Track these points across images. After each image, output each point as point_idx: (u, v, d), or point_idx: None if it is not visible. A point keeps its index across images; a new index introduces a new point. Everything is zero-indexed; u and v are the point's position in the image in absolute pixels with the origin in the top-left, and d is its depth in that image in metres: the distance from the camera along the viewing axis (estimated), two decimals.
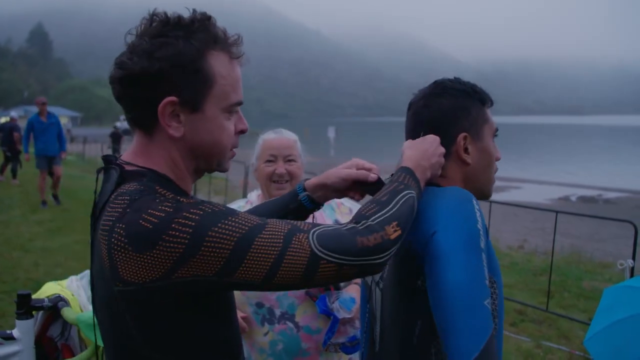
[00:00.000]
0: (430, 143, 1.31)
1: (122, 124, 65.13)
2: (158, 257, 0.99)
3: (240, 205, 2.28)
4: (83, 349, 2.14)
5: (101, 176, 1.19)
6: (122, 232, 1.01)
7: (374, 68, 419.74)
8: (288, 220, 1.10)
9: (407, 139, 1.41)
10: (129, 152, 1.19)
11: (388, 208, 1.10)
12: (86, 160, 26.68)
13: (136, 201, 1.05)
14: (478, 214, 1.17)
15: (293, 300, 2.02)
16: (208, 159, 1.19)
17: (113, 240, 1.02)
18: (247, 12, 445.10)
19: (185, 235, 0.99)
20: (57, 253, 7.45)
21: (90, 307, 2.21)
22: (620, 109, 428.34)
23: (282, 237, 1.04)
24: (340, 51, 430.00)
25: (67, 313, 2.08)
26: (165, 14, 1.13)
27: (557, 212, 5.63)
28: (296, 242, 1.04)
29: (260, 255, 1.02)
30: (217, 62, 1.14)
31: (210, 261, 1.00)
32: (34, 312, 2.14)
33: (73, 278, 2.40)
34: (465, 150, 1.37)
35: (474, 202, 1.19)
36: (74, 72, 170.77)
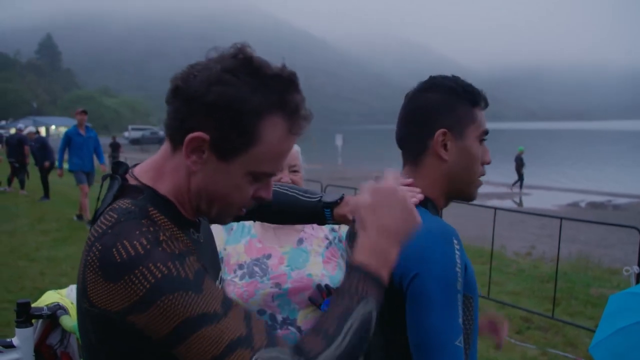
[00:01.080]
0: (401, 205, 1.08)
1: (131, 133, 65.67)
2: (119, 292, 0.95)
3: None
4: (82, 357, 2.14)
5: (107, 183, 1.17)
6: (97, 253, 0.98)
7: (379, 75, 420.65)
8: (250, 320, 0.99)
9: (396, 131, 1.44)
10: (146, 161, 1.17)
11: (335, 345, 0.97)
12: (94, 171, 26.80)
13: (119, 224, 1.01)
14: (457, 255, 1.22)
15: (294, 306, 2.03)
16: (209, 205, 1.12)
17: (89, 259, 0.99)
18: (252, 20, 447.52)
19: (142, 287, 0.94)
20: (62, 262, 7.48)
21: None
22: (627, 113, 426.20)
23: (225, 343, 0.95)
24: (346, 59, 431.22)
25: (65, 321, 2.08)
26: (252, 54, 1.06)
27: (561, 218, 5.60)
28: (235, 357, 0.94)
29: (197, 347, 0.95)
30: (272, 128, 1.05)
31: (156, 325, 0.95)
32: (33, 321, 2.14)
33: (73, 287, 2.40)
34: (444, 146, 1.36)
35: (455, 242, 1.24)
36: (82, 82, 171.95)
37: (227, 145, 1.04)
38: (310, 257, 2.02)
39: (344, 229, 2.05)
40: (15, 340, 2.07)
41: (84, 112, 10.51)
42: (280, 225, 1.97)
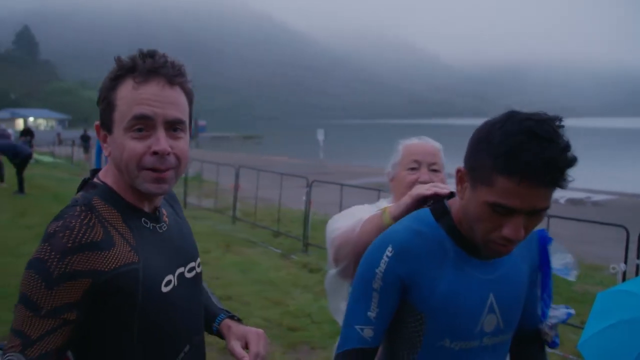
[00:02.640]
0: None
1: None
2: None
3: (370, 210, 1.98)
4: None
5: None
6: (46, 230, 1.23)
7: (362, 70, 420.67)
8: (23, 339, 1.16)
9: None
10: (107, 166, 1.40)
11: None
12: (75, 164, 26.51)
13: (63, 210, 1.25)
14: (384, 261, 1.34)
15: None
16: (127, 176, 1.30)
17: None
18: (234, 14, 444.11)
19: (36, 254, 1.21)
20: None
21: None
22: (614, 111, 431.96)
23: (21, 327, 1.17)
24: (329, 54, 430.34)
25: None
26: (120, 58, 1.31)
27: (549, 216, 5.64)
28: (14, 340, 1.17)
29: (17, 312, 1.19)
30: (122, 89, 1.29)
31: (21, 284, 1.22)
32: None
33: None
34: (461, 183, 1.35)
35: (389, 249, 1.35)
36: (62, 74, 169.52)
37: (106, 120, 1.32)
38: None
39: None
40: None
41: None
42: None
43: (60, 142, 39.38)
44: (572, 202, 19.09)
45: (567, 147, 1.18)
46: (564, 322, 1.65)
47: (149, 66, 1.28)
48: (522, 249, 1.46)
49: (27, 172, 14.37)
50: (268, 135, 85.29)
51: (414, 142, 2.06)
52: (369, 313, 1.36)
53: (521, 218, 1.20)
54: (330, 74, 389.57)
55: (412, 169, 1.98)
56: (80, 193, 1.31)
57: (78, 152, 29.19)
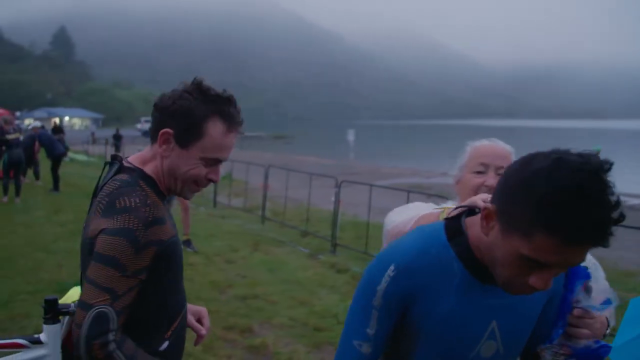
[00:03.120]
0: None
1: (143, 125, 66.13)
2: (103, 223, 1.52)
3: (431, 208, 1.90)
4: None
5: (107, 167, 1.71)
6: (104, 203, 1.53)
7: (393, 70, 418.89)
8: (127, 296, 1.50)
9: None
10: (136, 155, 1.71)
11: None
12: None
13: (121, 187, 1.55)
14: (386, 280, 1.27)
15: None
16: (175, 182, 1.66)
17: (97, 208, 1.54)
18: (264, 13, 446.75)
19: (118, 224, 1.49)
20: (80, 254, 7.52)
21: None
22: None
23: (109, 285, 1.48)
24: (360, 54, 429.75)
25: None
26: (201, 82, 1.63)
27: None
28: (103, 296, 1.49)
29: (97, 270, 1.50)
30: (213, 127, 1.62)
31: (97, 245, 1.52)
32: (60, 317, 2.16)
33: None
34: (488, 221, 1.22)
35: (391, 268, 1.27)
36: (96, 74, 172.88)
37: (185, 137, 1.61)
38: None
39: None
40: (43, 337, 2.08)
41: None
42: None
43: (94, 141, 40.16)
44: None
45: (617, 204, 1.07)
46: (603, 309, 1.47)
47: (237, 120, 1.66)
48: None
49: (62, 171, 14.70)
50: (298, 135, 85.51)
51: (483, 143, 1.95)
52: (367, 330, 1.32)
53: (553, 271, 1.14)
54: (362, 74, 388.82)
55: (479, 172, 1.88)
56: (125, 175, 1.61)
57: (111, 151, 29.75)
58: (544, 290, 1.20)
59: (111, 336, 1.47)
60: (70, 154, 27.46)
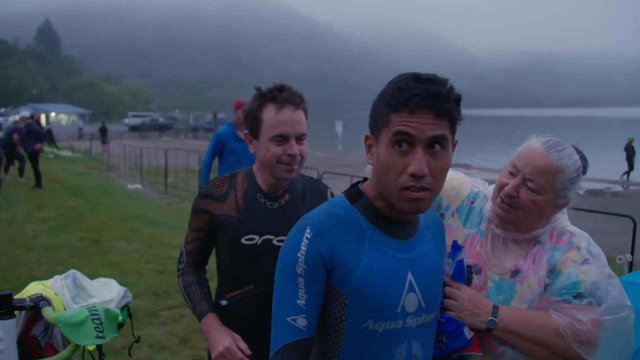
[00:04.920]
0: None
1: (130, 120, 65.70)
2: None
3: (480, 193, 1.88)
4: (66, 346, 2.14)
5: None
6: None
7: (385, 62, 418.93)
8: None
9: None
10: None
11: None
12: (93, 157, 26.84)
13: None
14: (304, 243, 1.33)
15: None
16: (268, 168, 1.99)
17: None
18: (256, 6, 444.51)
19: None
20: (59, 250, 7.49)
21: (74, 306, 2.22)
22: (637, 101, 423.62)
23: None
24: (352, 45, 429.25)
25: (47, 312, 2.07)
26: (259, 88, 2.03)
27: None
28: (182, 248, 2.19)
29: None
30: (267, 111, 1.96)
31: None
32: (16, 312, 2.14)
33: (57, 277, 2.40)
34: (369, 149, 1.40)
35: (307, 230, 1.34)
36: (83, 69, 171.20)
37: (254, 130, 2.00)
38: (513, 300, 1.66)
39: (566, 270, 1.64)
40: None
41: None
42: (518, 234, 1.73)
43: (81, 136, 39.94)
44: (591, 192, 18.81)
45: (451, 87, 1.30)
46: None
47: (284, 97, 1.94)
48: (434, 232, 1.50)
49: (46, 167, 14.56)
50: None
51: (533, 146, 1.72)
52: (298, 301, 1.33)
53: (421, 151, 1.27)
54: (356, 66, 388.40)
55: (510, 173, 1.73)
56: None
57: (96, 145, 29.54)
58: (437, 242, 1.48)
59: (180, 266, 2.13)
60: (54, 151, 27.31)
